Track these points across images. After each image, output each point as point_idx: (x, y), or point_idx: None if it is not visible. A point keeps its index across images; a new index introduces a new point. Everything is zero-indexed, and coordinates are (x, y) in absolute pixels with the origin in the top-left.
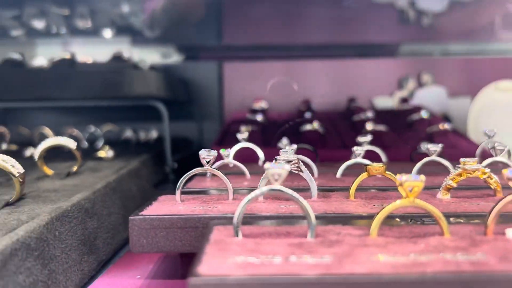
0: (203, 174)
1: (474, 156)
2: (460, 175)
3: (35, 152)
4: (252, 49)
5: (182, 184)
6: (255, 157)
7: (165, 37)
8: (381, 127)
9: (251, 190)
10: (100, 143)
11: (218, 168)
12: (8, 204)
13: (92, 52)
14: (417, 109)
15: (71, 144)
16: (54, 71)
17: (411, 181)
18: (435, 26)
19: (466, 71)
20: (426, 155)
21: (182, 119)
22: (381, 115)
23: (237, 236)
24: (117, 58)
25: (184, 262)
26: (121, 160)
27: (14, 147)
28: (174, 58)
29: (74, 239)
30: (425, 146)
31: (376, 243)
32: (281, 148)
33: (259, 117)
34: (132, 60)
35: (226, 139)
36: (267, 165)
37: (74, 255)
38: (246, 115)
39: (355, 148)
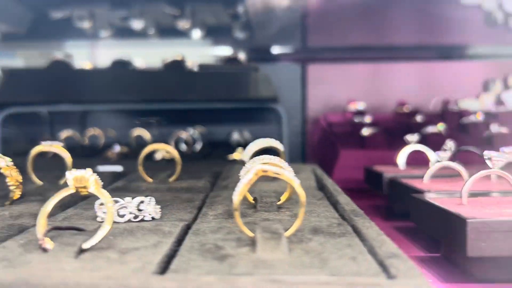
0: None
1: None
2: None
3: (244, 154)
4: (336, 51)
5: (468, 186)
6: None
7: (250, 38)
8: (504, 129)
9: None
10: (199, 145)
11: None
12: None
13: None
14: None
15: (279, 146)
16: (168, 73)
17: None
18: None
19: None
20: None
21: (266, 121)
22: None
23: None
24: (233, 60)
25: (473, 266)
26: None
27: (124, 149)
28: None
29: None
30: None
31: None
32: (446, 150)
33: (367, 119)
34: (250, 63)
35: (339, 141)
36: None
37: None
38: (343, 116)
39: None
